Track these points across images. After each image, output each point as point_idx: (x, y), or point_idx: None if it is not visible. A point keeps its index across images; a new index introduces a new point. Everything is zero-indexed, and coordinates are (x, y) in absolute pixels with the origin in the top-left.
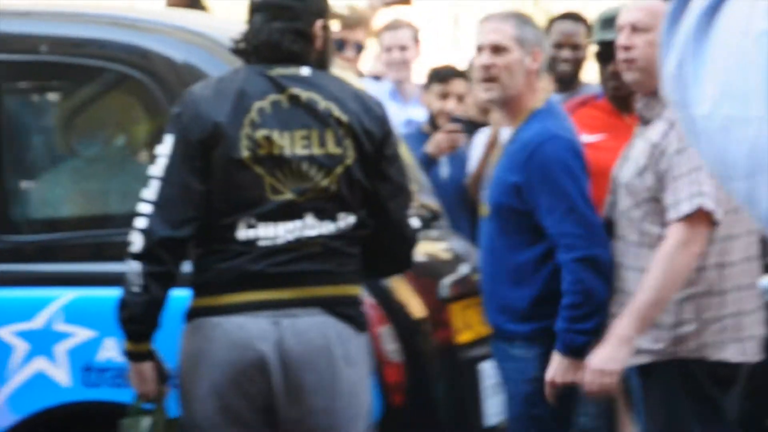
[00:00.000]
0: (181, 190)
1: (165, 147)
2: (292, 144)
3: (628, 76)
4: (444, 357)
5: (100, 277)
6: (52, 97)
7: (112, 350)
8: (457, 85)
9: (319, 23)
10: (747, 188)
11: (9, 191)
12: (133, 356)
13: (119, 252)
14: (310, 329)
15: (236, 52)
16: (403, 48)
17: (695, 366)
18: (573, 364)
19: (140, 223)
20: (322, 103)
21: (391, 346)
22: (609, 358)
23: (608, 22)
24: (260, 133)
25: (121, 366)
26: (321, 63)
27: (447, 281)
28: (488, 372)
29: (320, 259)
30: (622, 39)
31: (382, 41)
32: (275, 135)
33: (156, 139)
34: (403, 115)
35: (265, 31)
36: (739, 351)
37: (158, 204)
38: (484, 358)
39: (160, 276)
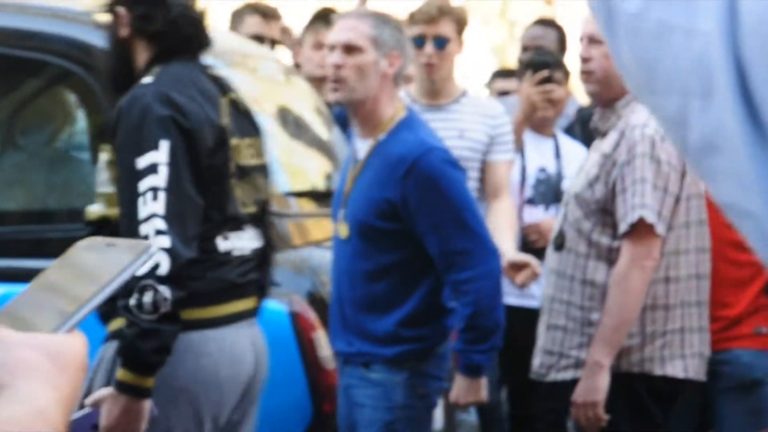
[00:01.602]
0: (189, 204)
1: (161, 155)
2: (246, 153)
3: (587, 88)
4: None
5: (36, 273)
6: None
7: None
8: None
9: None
10: (677, 107)
11: None
12: (139, 392)
13: (57, 249)
14: (262, 339)
15: (155, 36)
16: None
17: (637, 380)
18: (474, 384)
19: (163, 242)
20: (249, 109)
21: (325, 352)
22: (589, 389)
23: None
24: (233, 141)
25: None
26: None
27: None
28: None
29: (260, 269)
30: (580, 51)
31: None
32: (239, 143)
33: (96, 135)
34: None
35: (187, 15)
36: (683, 367)
37: (172, 220)
38: None
39: (182, 302)
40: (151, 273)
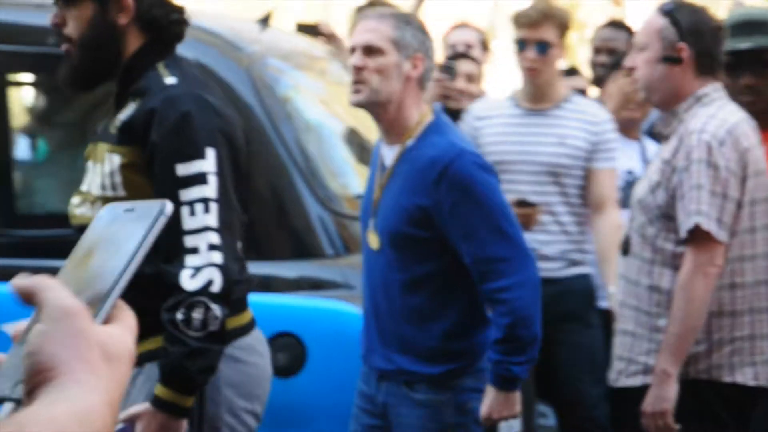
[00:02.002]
0: (235, 217)
1: (209, 163)
2: None
3: (640, 96)
4: None
5: None
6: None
7: None
8: (465, 66)
9: None
10: None
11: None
12: (179, 411)
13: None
14: None
15: (153, 27)
16: (468, 46)
17: (705, 387)
18: (510, 397)
19: (217, 258)
20: None
21: None
22: (657, 398)
23: (740, 28)
24: None
25: None
26: None
27: None
28: None
29: None
30: (627, 60)
31: (448, 40)
32: None
33: None
34: None
35: (176, 8)
36: (753, 374)
37: (224, 234)
38: None
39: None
40: (204, 290)
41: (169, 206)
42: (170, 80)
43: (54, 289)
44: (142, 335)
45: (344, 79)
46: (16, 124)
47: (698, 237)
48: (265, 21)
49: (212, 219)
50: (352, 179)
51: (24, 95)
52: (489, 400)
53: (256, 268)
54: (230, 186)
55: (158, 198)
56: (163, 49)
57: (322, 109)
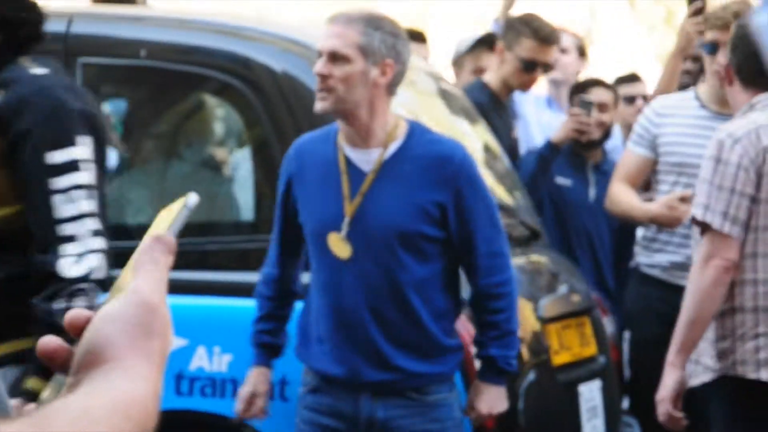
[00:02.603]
0: (103, 206)
1: (82, 151)
2: None
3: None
4: (540, 378)
5: (198, 285)
6: (153, 103)
7: (203, 359)
8: (600, 95)
9: None
10: None
11: (118, 198)
12: None
13: (218, 261)
14: None
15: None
16: (563, 51)
17: (731, 383)
18: (503, 392)
19: (99, 243)
20: None
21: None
22: (662, 387)
23: None
24: None
25: (211, 375)
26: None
27: (544, 301)
28: (587, 394)
29: None
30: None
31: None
32: None
33: (255, 147)
34: (555, 122)
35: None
36: None
37: (101, 220)
38: (582, 380)
39: None
40: (87, 277)
41: (193, 198)
42: (39, 70)
43: (143, 276)
44: None
45: (433, 90)
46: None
47: (707, 230)
48: None
49: (91, 205)
50: None
51: (111, 107)
52: (487, 396)
53: None
54: (100, 174)
55: (24, 186)
56: (20, 49)
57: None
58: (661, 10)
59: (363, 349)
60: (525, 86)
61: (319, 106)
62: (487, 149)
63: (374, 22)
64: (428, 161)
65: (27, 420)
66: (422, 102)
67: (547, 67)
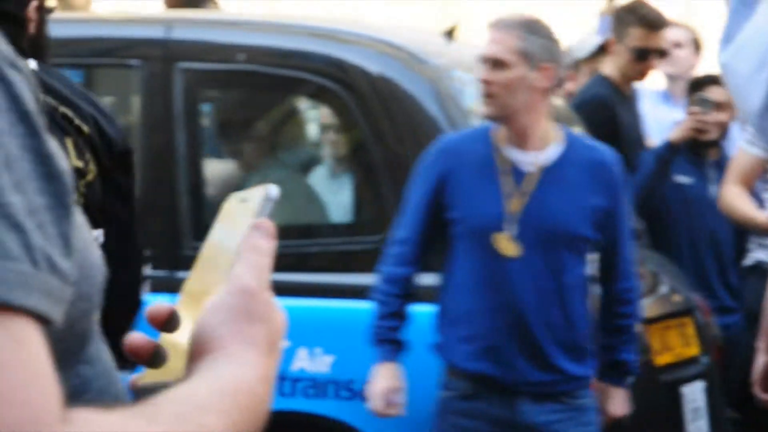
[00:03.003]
0: None
1: None
2: None
3: None
4: (642, 379)
5: (299, 287)
6: (251, 107)
7: (304, 360)
8: (717, 93)
9: (33, 4)
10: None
11: (219, 201)
12: None
13: (318, 263)
14: None
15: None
16: (677, 45)
17: None
18: (628, 394)
19: None
20: (60, 108)
21: None
22: (752, 371)
23: None
24: None
25: (313, 376)
26: (35, 53)
27: (645, 302)
28: (690, 396)
29: None
30: None
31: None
32: None
33: (353, 151)
34: (671, 117)
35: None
36: None
37: None
38: (685, 381)
39: None
40: None
41: (274, 190)
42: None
43: (245, 264)
44: None
45: None
46: (208, 140)
47: None
48: (450, 33)
49: None
50: None
51: (214, 112)
52: (617, 399)
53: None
54: None
55: None
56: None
57: None
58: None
59: (525, 349)
60: (641, 75)
61: (484, 111)
62: None
63: (532, 27)
64: (590, 166)
65: (135, 409)
66: None
67: (661, 53)
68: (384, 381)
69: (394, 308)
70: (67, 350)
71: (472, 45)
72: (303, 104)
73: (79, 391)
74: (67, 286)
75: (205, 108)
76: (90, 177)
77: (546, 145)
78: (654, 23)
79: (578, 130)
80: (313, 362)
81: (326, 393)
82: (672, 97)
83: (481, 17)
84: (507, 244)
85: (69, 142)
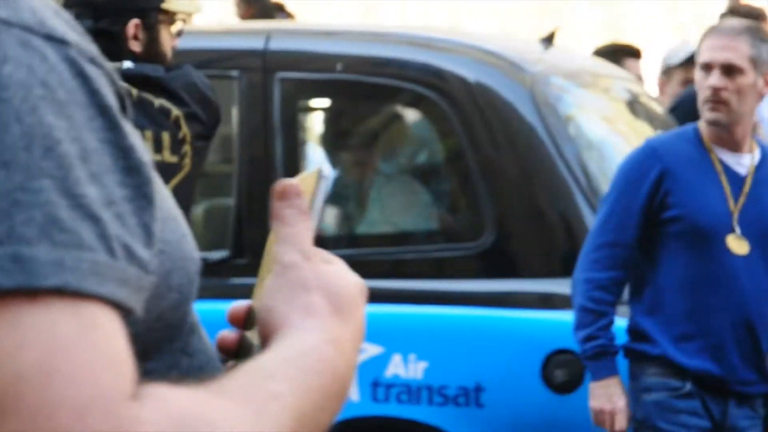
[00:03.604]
0: None
1: None
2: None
3: None
4: None
5: (395, 294)
6: (348, 115)
7: (399, 366)
8: None
9: (133, 22)
10: None
11: None
12: None
13: (414, 269)
14: None
15: None
16: None
17: None
18: None
19: None
20: (156, 101)
21: None
22: None
23: None
24: None
25: (406, 382)
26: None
27: None
28: None
29: None
30: None
31: None
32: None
33: (450, 158)
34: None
35: None
36: None
37: None
38: None
39: None
40: None
41: (327, 168)
42: None
43: (281, 242)
44: None
45: (627, 97)
46: (308, 148)
47: None
48: (549, 40)
49: None
50: None
51: (313, 120)
52: None
53: (536, 286)
54: None
55: None
56: None
57: (605, 127)
58: None
59: (743, 347)
60: None
61: (710, 116)
62: None
63: (759, 34)
64: None
65: (205, 385)
66: (616, 108)
67: None
68: (621, 398)
69: (611, 317)
70: (158, 340)
71: (571, 52)
72: (401, 112)
73: (179, 382)
74: (148, 275)
75: (304, 117)
76: (184, 172)
77: (753, 148)
78: (751, 15)
79: None
80: (407, 368)
81: (420, 398)
82: None
83: (581, 25)
84: (738, 243)
85: (165, 136)
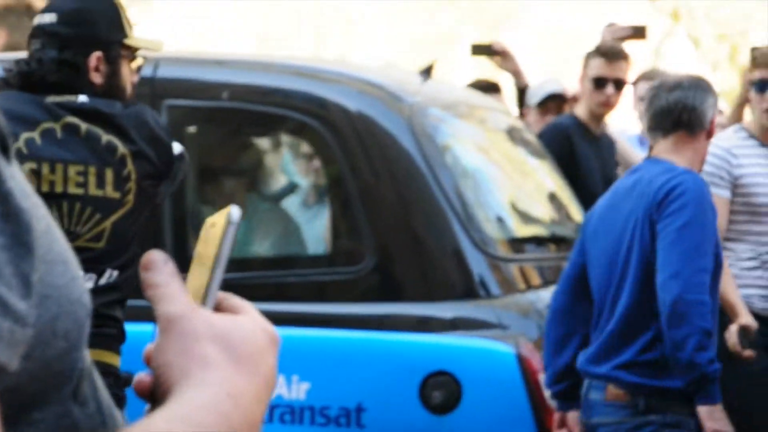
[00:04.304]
0: None
1: None
2: (64, 180)
3: None
4: None
5: (278, 317)
6: (235, 143)
7: (282, 387)
8: None
9: (95, 55)
10: None
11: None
12: None
13: (297, 293)
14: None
15: (6, 82)
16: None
17: None
18: None
19: None
20: (104, 137)
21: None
22: None
23: None
24: (27, 166)
25: (289, 403)
26: (110, 96)
27: None
28: None
29: None
30: None
31: (637, 91)
32: (45, 168)
33: (331, 185)
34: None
35: (34, 59)
36: None
37: None
38: None
39: None
40: None
41: (236, 213)
42: None
43: (159, 301)
44: None
45: (502, 127)
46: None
47: None
48: (427, 72)
49: None
50: (506, 223)
51: (201, 147)
52: None
53: (414, 309)
54: None
55: None
56: None
57: (481, 156)
58: (725, 48)
59: None
60: (601, 106)
61: None
62: (553, 184)
63: None
64: None
65: None
66: (491, 138)
67: (619, 84)
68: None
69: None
70: (44, 389)
71: (448, 84)
72: (285, 140)
73: (70, 431)
74: (25, 327)
75: (191, 144)
76: (126, 208)
77: None
78: (610, 52)
79: (545, 161)
80: (290, 389)
81: (303, 419)
82: (647, 140)
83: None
84: None
85: (109, 172)
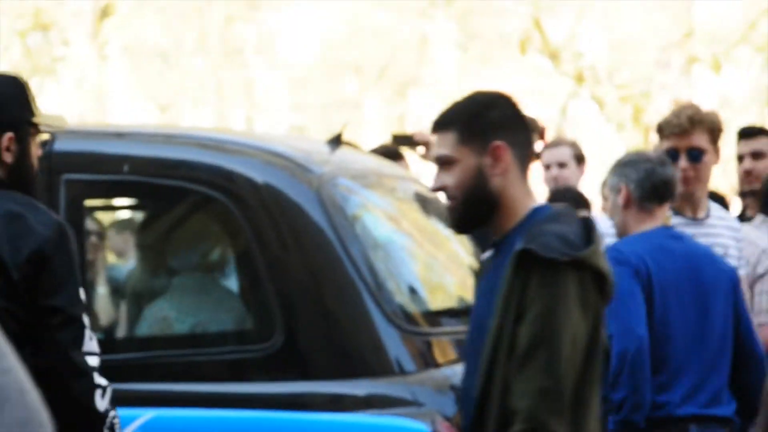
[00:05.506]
0: None
1: None
2: None
3: None
4: None
5: (187, 397)
6: (135, 217)
7: None
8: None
9: (7, 135)
10: None
11: (107, 310)
12: None
13: (204, 372)
14: None
15: None
16: (561, 165)
17: None
18: None
19: None
20: None
21: None
22: None
23: None
24: None
25: None
26: (16, 179)
27: None
28: None
29: None
30: None
31: (543, 159)
32: None
33: (239, 259)
34: None
35: None
36: None
37: None
38: None
39: None
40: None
41: None
42: None
43: None
44: None
45: (413, 196)
46: (97, 250)
47: None
48: (336, 140)
49: None
50: (420, 295)
51: (101, 222)
52: None
53: (326, 387)
54: None
55: None
56: None
57: (391, 226)
58: (629, 108)
59: None
60: None
61: None
62: (465, 254)
63: None
64: None
65: None
66: (402, 208)
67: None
68: None
69: None
70: None
71: (358, 152)
72: (189, 214)
73: None
74: None
75: (90, 219)
76: None
77: None
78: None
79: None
80: None
81: None
82: None
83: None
84: None
85: None
